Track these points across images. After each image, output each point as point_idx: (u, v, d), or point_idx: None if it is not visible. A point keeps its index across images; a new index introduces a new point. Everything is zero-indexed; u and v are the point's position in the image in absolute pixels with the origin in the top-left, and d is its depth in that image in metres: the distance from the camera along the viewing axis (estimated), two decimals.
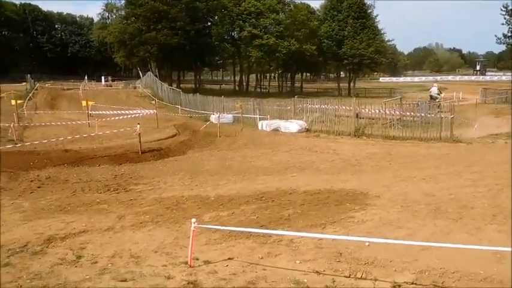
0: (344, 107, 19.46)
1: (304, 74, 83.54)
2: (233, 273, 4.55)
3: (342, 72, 74.75)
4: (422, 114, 17.59)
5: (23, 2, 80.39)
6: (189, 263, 4.76)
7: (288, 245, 5.33)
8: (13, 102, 20.56)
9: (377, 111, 18.67)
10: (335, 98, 28.45)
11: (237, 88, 64.57)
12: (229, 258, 4.95)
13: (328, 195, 7.75)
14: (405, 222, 6.05)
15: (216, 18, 59.77)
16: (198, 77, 67.46)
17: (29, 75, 45.90)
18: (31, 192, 8.50)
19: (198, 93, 30.72)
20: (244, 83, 66.75)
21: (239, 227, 5.66)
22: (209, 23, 60.34)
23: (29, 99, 30.68)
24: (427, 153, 12.90)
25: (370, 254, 4.87)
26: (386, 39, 67.58)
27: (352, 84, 66.33)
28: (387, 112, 18.41)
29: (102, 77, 58.73)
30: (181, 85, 55.30)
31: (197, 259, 4.88)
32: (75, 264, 4.85)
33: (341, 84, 67.33)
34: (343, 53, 59.80)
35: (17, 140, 15.23)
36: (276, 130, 18.96)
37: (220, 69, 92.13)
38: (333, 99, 24.01)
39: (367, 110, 18.75)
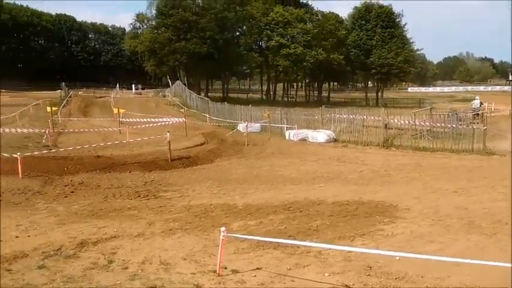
0: (372, 117, 19.21)
1: (332, 83, 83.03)
2: (261, 284, 4.55)
3: (369, 82, 73.91)
4: (454, 126, 17.15)
5: (58, 12, 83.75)
6: (217, 271, 4.78)
7: (317, 256, 5.29)
8: (48, 109, 21.28)
9: (406, 121, 18.33)
10: (363, 108, 28.14)
11: (264, 97, 64.81)
12: (257, 268, 4.95)
13: (357, 207, 7.65)
14: (437, 236, 5.90)
15: (244, 28, 60.39)
16: (225, 86, 68.13)
17: (63, 83, 47.50)
18: (65, 197, 8.75)
19: (225, 102, 31.03)
20: (272, 92, 66.95)
21: (267, 237, 5.65)
22: (237, 33, 61.05)
23: (63, 106, 31.71)
24: (459, 165, 12.56)
25: (401, 268, 4.77)
26: (415, 49, 66.52)
27: (380, 94, 65.49)
28: (417, 123, 18.04)
29: (133, 85, 60.17)
30: (209, 94, 56.04)
31: (225, 268, 4.90)
32: (106, 269, 4.96)
33: (369, 94, 66.56)
34: (371, 63, 59.25)
35: (52, 146, 15.77)
36: (303, 140, 18.89)
37: (248, 78, 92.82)
38: (360, 109, 23.75)
39: (396, 120, 18.44)
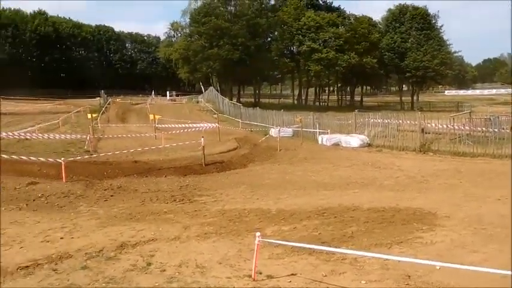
0: (408, 121, 18.79)
1: (364, 87, 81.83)
2: None
3: (404, 85, 72.33)
4: (496, 130, 16.50)
5: (98, 23, 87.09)
6: (252, 276, 4.81)
7: (352, 263, 5.23)
8: (89, 116, 22.12)
9: (444, 125, 17.80)
10: (397, 112, 27.50)
11: (295, 102, 64.69)
12: (292, 274, 4.95)
13: (393, 214, 7.50)
14: (480, 246, 5.70)
15: (275, 33, 60.60)
16: (257, 91, 68.48)
17: (102, 91, 49.23)
18: (105, 200, 9.05)
19: (257, 107, 31.18)
20: (303, 97, 66.73)
21: (302, 243, 5.63)
22: (269, 39, 61.34)
23: (102, 113, 32.86)
24: (502, 172, 12.04)
25: (442, 278, 4.64)
26: (452, 51, 64.61)
27: (415, 98, 63.89)
28: (455, 127, 17.49)
29: (167, 92, 61.54)
30: (241, 99, 56.51)
31: (260, 273, 4.92)
32: (145, 271, 5.09)
33: (403, 98, 65.11)
34: (406, 66, 58.03)
35: (92, 151, 16.38)
36: (336, 144, 18.70)
37: (279, 84, 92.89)
38: (395, 113, 23.24)
39: (433, 124, 17.93)
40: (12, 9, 75.87)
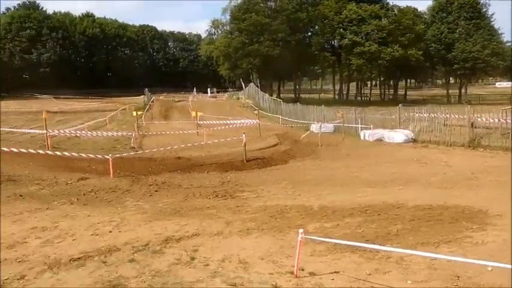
0: (456, 116, 18.02)
1: (408, 80, 79.21)
2: None
3: (451, 78, 69.33)
4: None
5: (142, 23, 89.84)
6: (295, 273, 4.79)
7: (398, 262, 5.09)
8: (134, 113, 22.90)
9: (496, 119, 16.92)
10: (444, 106, 26.42)
11: (336, 97, 63.70)
12: (335, 272, 4.88)
13: (441, 212, 7.23)
14: None
15: (316, 27, 59.87)
16: (297, 87, 68.06)
17: (146, 89, 50.73)
18: (150, 195, 9.33)
19: (298, 103, 31.00)
20: (344, 92, 65.59)
21: (344, 240, 5.55)
22: (309, 33, 60.72)
23: (146, 111, 33.88)
24: None
25: (494, 280, 4.42)
26: (504, 40, 61.18)
27: (463, 91, 61.12)
28: (508, 121, 16.56)
29: (208, 89, 62.49)
30: (281, 95, 56.39)
31: (303, 270, 4.90)
32: (189, 265, 5.19)
33: (450, 91, 62.43)
34: (453, 57, 55.57)
35: (137, 148, 16.95)
36: (379, 140, 18.26)
37: (320, 78, 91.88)
38: (442, 106, 22.31)
39: (483, 118, 17.09)
40: (63, 12, 79.76)
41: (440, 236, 5.96)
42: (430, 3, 62.96)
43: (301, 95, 63.33)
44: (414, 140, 17.75)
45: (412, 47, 55.24)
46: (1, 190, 9.36)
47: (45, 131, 16.65)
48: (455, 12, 56.53)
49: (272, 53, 51.62)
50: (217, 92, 62.58)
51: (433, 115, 18.63)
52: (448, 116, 18.14)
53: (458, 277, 4.57)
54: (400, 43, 54.23)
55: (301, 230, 4.78)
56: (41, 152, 13.15)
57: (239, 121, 24.41)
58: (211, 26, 71.20)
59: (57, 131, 19.45)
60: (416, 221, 6.75)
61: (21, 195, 9.02)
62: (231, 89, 71.58)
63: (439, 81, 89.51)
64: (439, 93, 69.16)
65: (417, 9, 62.62)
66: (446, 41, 56.28)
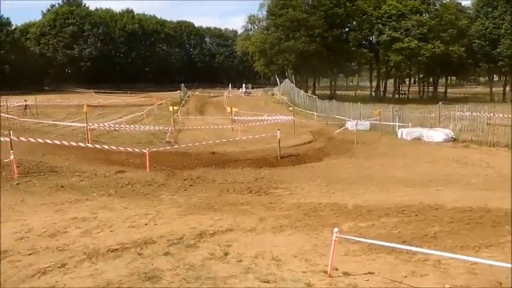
0: (501, 115, 17.24)
1: (449, 77, 76.34)
2: None
3: (495, 75, 66.25)
4: None
5: (179, 19, 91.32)
6: (328, 272, 4.74)
7: (436, 265, 4.94)
8: (170, 108, 23.32)
9: None
10: (487, 104, 25.32)
11: (373, 94, 62.35)
12: (369, 273, 4.79)
13: (481, 214, 6.95)
14: None
15: (354, 23, 58.74)
16: (333, 83, 67.17)
17: (182, 84, 51.58)
18: (185, 190, 9.49)
19: (333, 100, 30.59)
20: (381, 89, 64.08)
21: (380, 241, 5.43)
22: (347, 29, 59.68)
23: (182, 106, 34.45)
24: None
25: None
26: None
27: (507, 88, 58.28)
28: None
29: (243, 85, 62.77)
30: (316, 91, 55.82)
31: (336, 269, 4.83)
32: (222, 260, 5.23)
33: (494, 89, 59.67)
34: (499, 54, 52.96)
35: (173, 142, 17.27)
36: (417, 139, 17.76)
37: (356, 75, 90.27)
38: (484, 105, 21.38)
39: None
40: (104, 8, 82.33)
41: (481, 240, 5.73)
42: None
43: (336, 92, 62.41)
44: (454, 140, 17.17)
45: (454, 43, 53.13)
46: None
47: (85, 125, 17.22)
48: (501, 6, 53.82)
49: (308, 49, 51.12)
50: (252, 88, 62.74)
51: (475, 114, 17.91)
52: (491, 114, 17.38)
53: (501, 283, 4.39)
54: (441, 39, 52.26)
55: (336, 229, 4.71)
56: (81, 144, 13.63)
57: (273, 117, 24.38)
58: (248, 22, 71.32)
59: (96, 125, 20.12)
60: (455, 224, 6.52)
61: (62, 186, 9.41)
62: (267, 86, 71.59)
63: (482, 79, 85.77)
64: (481, 91, 66.25)
65: (460, 4, 60.23)
66: (491, 37, 53.75)
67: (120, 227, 6.47)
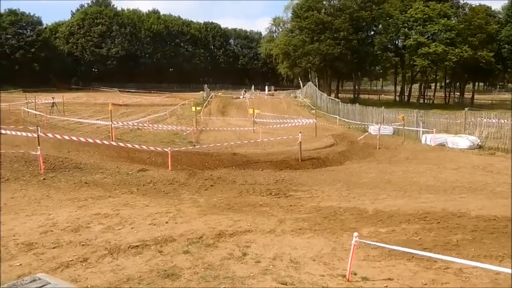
0: None
1: (477, 83, 74.44)
2: None
3: None
4: None
5: (206, 20, 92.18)
6: (347, 276, 4.71)
7: (457, 274, 4.84)
8: (193, 109, 23.58)
9: None
10: None
11: (397, 99, 61.39)
12: (388, 279, 4.74)
13: (506, 224, 6.76)
14: None
15: (379, 26, 58.06)
16: (357, 87, 66.51)
17: (205, 85, 52.00)
18: (205, 190, 9.58)
19: (357, 104, 30.30)
20: (406, 94, 63.05)
21: (400, 247, 5.36)
22: (372, 32, 59.07)
23: (205, 106, 34.74)
24: None
25: None
26: None
27: None
28: None
29: (266, 87, 62.83)
30: (339, 95, 55.39)
31: (355, 274, 4.80)
32: (241, 260, 5.26)
33: None
34: None
35: (195, 142, 17.45)
36: (441, 145, 17.41)
37: (380, 79, 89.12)
38: None
39: None
40: (131, 9, 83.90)
41: (506, 250, 5.58)
42: (506, 2, 58.62)
43: (360, 96, 61.79)
44: (480, 147, 16.76)
45: (483, 48, 51.86)
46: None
47: (109, 123, 17.57)
48: None
49: (332, 52, 50.81)
50: (275, 90, 62.72)
51: (502, 121, 17.43)
52: None
53: None
54: (469, 44, 51.08)
55: (355, 234, 4.67)
56: (106, 142, 13.93)
57: (295, 120, 24.33)
58: (272, 24, 71.57)
59: (120, 123, 20.53)
60: (478, 232, 6.37)
61: (86, 183, 9.64)
62: (290, 88, 71.48)
63: (511, 85, 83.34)
64: (510, 98, 64.38)
65: (490, 8, 58.71)
66: None
67: (141, 224, 6.58)
